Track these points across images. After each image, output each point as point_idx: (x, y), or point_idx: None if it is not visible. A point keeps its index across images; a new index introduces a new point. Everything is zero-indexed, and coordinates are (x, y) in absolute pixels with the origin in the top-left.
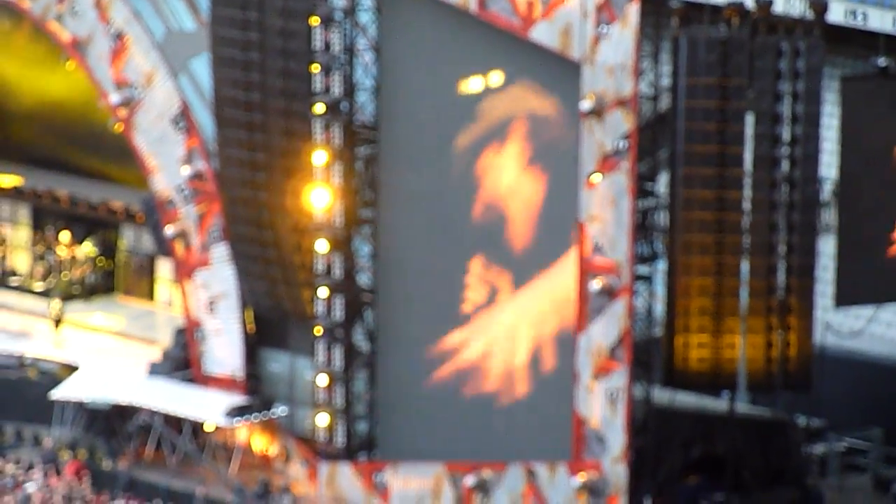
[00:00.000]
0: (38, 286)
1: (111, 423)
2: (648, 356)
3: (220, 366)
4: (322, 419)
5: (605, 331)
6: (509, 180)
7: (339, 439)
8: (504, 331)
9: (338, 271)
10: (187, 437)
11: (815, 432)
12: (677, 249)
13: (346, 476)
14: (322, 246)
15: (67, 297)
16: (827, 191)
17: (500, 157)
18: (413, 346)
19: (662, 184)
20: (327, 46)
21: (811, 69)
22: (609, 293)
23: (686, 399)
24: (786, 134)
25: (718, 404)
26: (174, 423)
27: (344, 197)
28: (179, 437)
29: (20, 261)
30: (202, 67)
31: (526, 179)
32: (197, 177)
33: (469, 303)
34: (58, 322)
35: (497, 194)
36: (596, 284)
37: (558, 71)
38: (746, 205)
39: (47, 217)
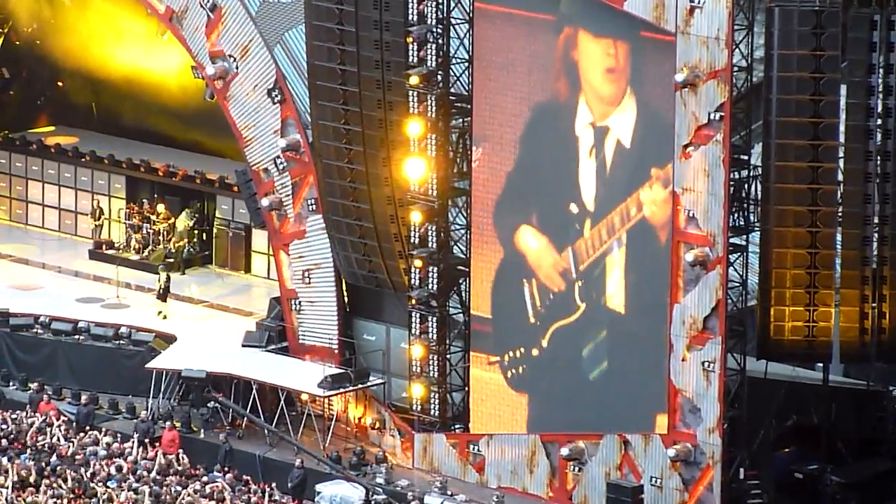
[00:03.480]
0: (135, 258)
1: (207, 394)
2: (742, 327)
3: (315, 336)
4: (417, 390)
5: (698, 301)
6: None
7: (434, 410)
8: (596, 299)
9: (432, 242)
10: (282, 407)
11: None
12: (771, 220)
13: (442, 446)
14: (417, 217)
15: (165, 268)
16: None
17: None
18: (507, 317)
19: (756, 155)
20: (422, 18)
21: None
22: (703, 264)
23: (780, 370)
24: (879, 106)
25: (812, 375)
26: (271, 393)
27: (438, 168)
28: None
29: (116, 232)
30: (297, 39)
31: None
32: (292, 148)
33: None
34: (165, 294)
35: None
36: (690, 255)
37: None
38: (840, 176)
39: (143, 188)
